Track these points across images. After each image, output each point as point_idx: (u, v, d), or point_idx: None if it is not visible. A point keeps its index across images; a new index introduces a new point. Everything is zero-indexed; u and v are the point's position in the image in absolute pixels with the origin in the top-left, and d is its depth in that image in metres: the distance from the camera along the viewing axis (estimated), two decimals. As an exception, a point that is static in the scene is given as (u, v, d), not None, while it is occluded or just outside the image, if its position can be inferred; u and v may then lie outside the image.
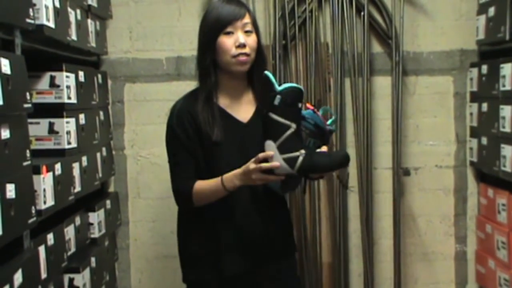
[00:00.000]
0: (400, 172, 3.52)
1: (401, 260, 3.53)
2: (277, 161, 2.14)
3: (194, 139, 2.33)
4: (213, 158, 2.33)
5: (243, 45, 2.30)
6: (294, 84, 2.18)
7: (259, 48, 2.37)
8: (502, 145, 3.03)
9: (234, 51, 2.30)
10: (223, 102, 2.38)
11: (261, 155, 2.15)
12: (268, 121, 2.16)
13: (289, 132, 2.15)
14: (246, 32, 2.32)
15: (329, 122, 2.31)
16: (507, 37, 2.96)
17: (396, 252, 3.52)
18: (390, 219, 3.54)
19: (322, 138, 2.29)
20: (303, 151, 2.16)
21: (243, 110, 2.38)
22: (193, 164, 2.34)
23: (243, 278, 2.38)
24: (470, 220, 3.59)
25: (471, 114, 3.51)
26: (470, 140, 3.53)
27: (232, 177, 2.25)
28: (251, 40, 2.33)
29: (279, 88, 2.14)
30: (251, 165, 2.17)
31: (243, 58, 2.31)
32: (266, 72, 2.18)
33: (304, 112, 2.29)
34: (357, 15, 3.49)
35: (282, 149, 2.15)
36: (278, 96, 2.13)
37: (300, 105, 2.16)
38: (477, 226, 3.52)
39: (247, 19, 2.33)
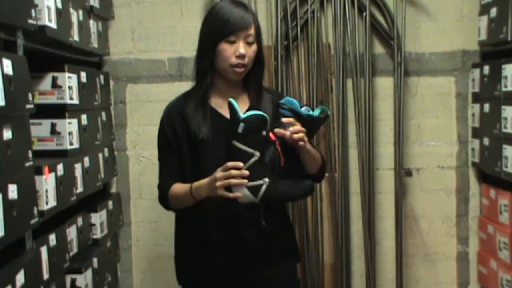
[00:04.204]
0: (402, 173, 3.52)
1: (403, 260, 3.53)
2: (241, 190, 2.11)
3: (182, 140, 2.33)
4: (200, 156, 2.31)
5: (242, 56, 2.29)
6: (258, 112, 2.12)
7: (259, 57, 2.35)
8: (504, 146, 3.03)
9: (233, 60, 2.29)
10: (216, 101, 2.37)
11: (229, 164, 2.12)
12: (232, 149, 2.13)
13: (252, 160, 2.11)
14: (248, 43, 2.30)
15: (316, 111, 2.27)
16: (509, 38, 2.95)
17: (398, 252, 3.52)
18: (392, 219, 3.54)
19: (303, 126, 2.22)
20: (267, 180, 2.12)
21: None
22: (178, 166, 2.34)
23: (238, 281, 2.35)
24: (472, 220, 3.59)
25: (473, 114, 3.51)
26: (472, 141, 3.53)
27: (198, 186, 2.23)
28: (251, 51, 2.31)
29: (242, 116, 2.10)
30: (218, 173, 2.14)
31: (239, 69, 2.30)
32: (230, 99, 2.14)
33: (282, 100, 2.28)
34: (359, 16, 3.49)
35: (245, 177, 2.11)
36: (242, 124, 2.09)
37: (264, 132, 2.12)
38: (479, 227, 3.52)
39: (251, 31, 2.30)
